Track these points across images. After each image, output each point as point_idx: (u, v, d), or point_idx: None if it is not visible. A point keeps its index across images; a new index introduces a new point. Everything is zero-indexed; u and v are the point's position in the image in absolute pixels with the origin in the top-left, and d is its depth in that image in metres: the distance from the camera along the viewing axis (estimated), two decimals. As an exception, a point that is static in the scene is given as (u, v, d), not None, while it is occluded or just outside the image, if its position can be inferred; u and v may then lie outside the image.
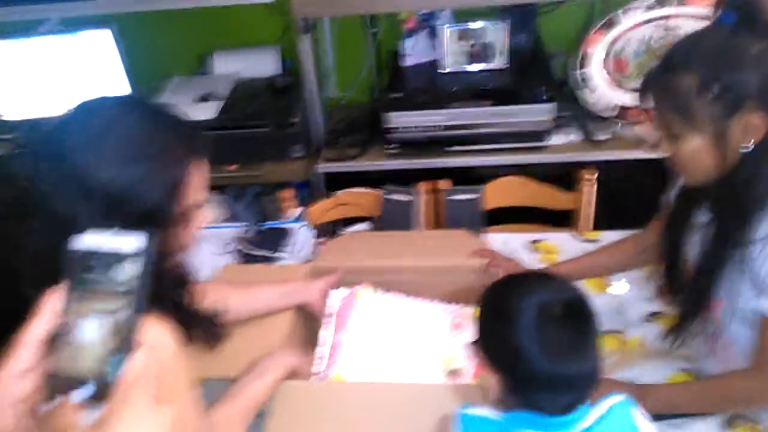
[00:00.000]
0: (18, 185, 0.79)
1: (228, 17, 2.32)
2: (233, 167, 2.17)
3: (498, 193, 1.90)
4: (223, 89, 2.27)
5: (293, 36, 2.14)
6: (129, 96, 0.85)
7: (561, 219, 1.92)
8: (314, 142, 2.29)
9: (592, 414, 0.86)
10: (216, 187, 2.19)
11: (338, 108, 2.47)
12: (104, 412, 0.51)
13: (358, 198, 1.90)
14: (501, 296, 0.94)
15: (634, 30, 1.96)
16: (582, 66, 2.01)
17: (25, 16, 2.24)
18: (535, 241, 1.70)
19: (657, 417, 0.98)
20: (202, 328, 0.99)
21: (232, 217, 2.31)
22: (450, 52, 2.08)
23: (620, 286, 1.51)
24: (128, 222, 0.75)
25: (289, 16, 2.07)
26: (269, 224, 1.84)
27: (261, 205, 2.43)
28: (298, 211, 1.94)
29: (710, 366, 1.24)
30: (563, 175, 1.93)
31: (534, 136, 2.05)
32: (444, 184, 1.89)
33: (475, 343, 0.95)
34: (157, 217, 0.80)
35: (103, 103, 0.85)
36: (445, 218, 1.71)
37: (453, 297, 1.42)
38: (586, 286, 1.51)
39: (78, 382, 0.52)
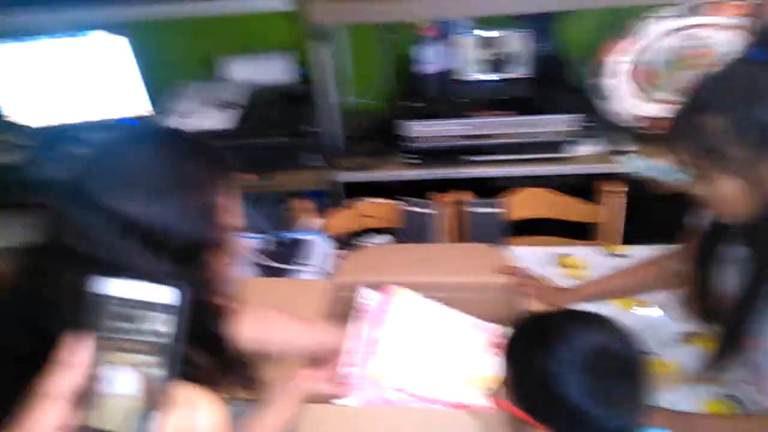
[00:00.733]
0: (56, 220, 0.76)
1: (243, 23, 2.29)
2: (250, 176, 2.14)
3: (519, 205, 1.86)
4: (239, 96, 2.24)
5: (308, 42, 2.11)
6: (146, 127, 0.83)
7: (583, 232, 1.87)
8: (331, 151, 2.25)
9: None
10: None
11: (353, 116, 2.43)
12: None
13: (377, 209, 1.86)
14: (543, 343, 0.84)
15: (661, 39, 1.91)
16: (606, 75, 1.97)
17: (38, 22, 2.22)
18: (560, 255, 1.66)
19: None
20: (238, 373, 0.95)
21: (248, 227, 2.27)
22: (469, 60, 2.04)
23: (652, 311, 1.47)
24: (169, 255, 0.73)
25: (304, 23, 2.04)
26: (287, 235, 1.80)
27: (278, 214, 2.39)
28: (316, 221, 1.90)
29: (751, 394, 1.18)
30: (585, 187, 1.89)
31: (556, 147, 2.01)
32: (463, 195, 1.85)
33: (505, 388, 0.87)
34: (198, 246, 0.77)
35: (123, 139, 0.82)
36: (466, 230, 1.66)
37: (478, 314, 1.38)
38: (614, 306, 1.48)
39: None
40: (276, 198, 2.39)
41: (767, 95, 0.93)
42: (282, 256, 1.69)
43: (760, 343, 1.06)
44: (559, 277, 1.55)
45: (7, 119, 2.32)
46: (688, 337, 1.39)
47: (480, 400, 1.19)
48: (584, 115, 1.98)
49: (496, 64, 2.06)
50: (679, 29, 1.89)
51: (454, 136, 2.02)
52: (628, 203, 1.80)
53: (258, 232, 1.81)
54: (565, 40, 2.20)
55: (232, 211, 0.84)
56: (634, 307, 1.47)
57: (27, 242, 0.79)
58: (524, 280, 1.39)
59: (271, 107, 2.19)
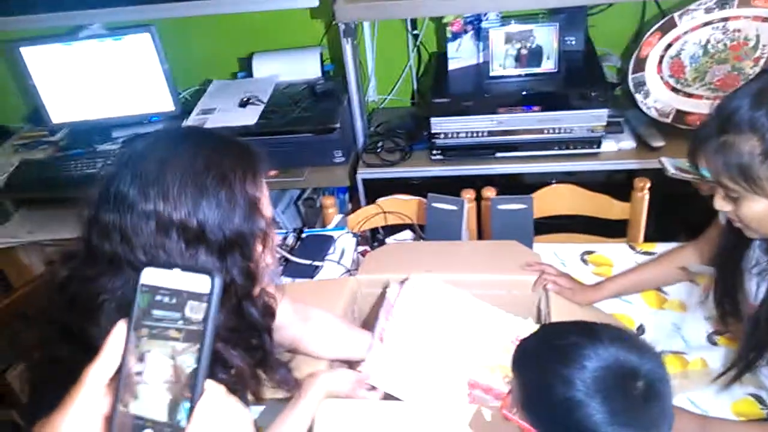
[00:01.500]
0: (92, 226, 0.77)
1: (268, 20, 2.30)
2: (274, 173, 2.14)
3: (547, 202, 1.82)
4: (264, 93, 2.24)
5: (333, 39, 2.11)
6: (174, 127, 0.83)
7: (614, 230, 1.84)
8: (355, 147, 2.25)
9: None
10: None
11: (378, 112, 2.42)
12: None
13: (400, 205, 1.85)
14: (557, 366, 0.77)
15: (692, 33, 1.87)
16: (637, 69, 1.92)
17: (68, 22, 2.26)
18: (587, 253, 1.63)
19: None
20: (277, 373, 0.95)
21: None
22: (497, 55, 2.01)
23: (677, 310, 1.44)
24: (209, 249, 0.75)
25: (330, 19, 2.04)
26: (310, 231, 1.80)
27: (301, 210, 2.40)
28: (339, 217, 1.90)
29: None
30: (617, 184, 1.85)
31: (585, 143, 1.97)
32: (489, 191, 1.83)
33: (519, 407, 0.82)
34: (238, 239, 0.78)
35: (154, 140, 0.82)
36: (492, 227, 1.64)
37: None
38: (643, 303, 1.45)
39: (145, 426, 0.51)
40: (300, 194, 2.40)
41: None
42: (305, 253, 1.69)
43: None
44: (586, 275, 1.52)
45: (39, 116, 2.36)
46: (715, 335, 1.36)
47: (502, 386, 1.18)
48: (613, 110, 1.94)
49: (524, 59, 2.02)
50: (710, 22, 1.84)
51: (480, 132, 2.00)
52: (657, 200, 1.76)
53: (279, 227, 1.81)
54: (594, 33, 2.16)
55: (265, 202, 0.85)
56: (661, 307, 1.44)
57: (65, 249, 0.81)
58: (550, 277, 1.37)
59: (295, 103, 2.19)
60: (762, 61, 1.86)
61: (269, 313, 0.93)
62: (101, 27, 2.30)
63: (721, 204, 1.00)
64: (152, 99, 2.31)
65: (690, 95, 1.95)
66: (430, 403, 1.18)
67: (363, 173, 2.12)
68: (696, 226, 1.32)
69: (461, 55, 2.12)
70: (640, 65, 1.92)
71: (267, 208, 0.85)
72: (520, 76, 2.02)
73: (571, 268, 1.53)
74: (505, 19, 2.05)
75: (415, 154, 2.14)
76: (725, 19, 1.84)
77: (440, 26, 2.18)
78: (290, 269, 1.65)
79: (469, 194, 1.81)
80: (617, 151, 2.01)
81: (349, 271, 1.61)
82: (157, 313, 0.52)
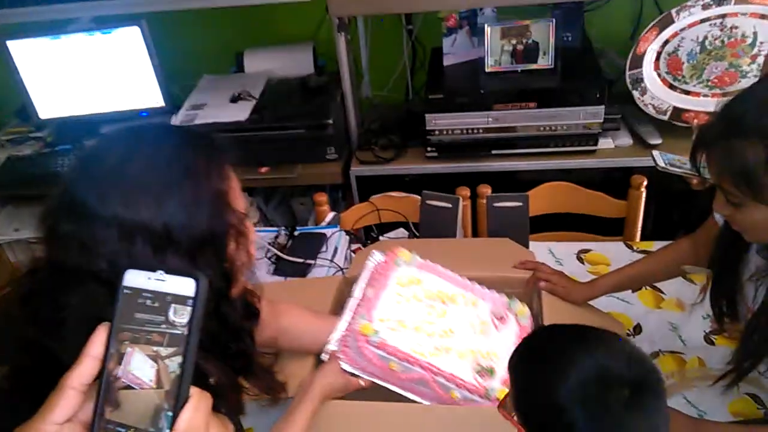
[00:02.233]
0: (51, 238, 0.72)
1: (260, 14, 2.26)
2: (265, 169, 2.11)
3: (543, 199, 1.80)
4: (256, 88, 2.21)
5: (327, 34, 2.08)
6: (128, 127, 0.78)
7: (611, 228, 1.82)
8: (348, 144, 2.22)
9: None
10: (246, 190, 2.13)
11: (371, 108, 2.39)
12: None
13: (394, 203, 1.82)
14: (546, 372, 0.77)
15: (690, 29, 1.85)
16: (634, 66, 1.90)
17: (56, 15, 2.21)
18: (583, 251, 1.61)
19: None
20: (261, 379, 0.92)
21: (262, 221, 2.25)
22: (493, 50, 1.99)
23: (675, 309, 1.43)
24: (181, 250, 0.70)
25: (323, 14, 2.00)
26: (303, 229, 1.77)
27: (292, 208, 2.37)
28: (332, 215, 1.87)
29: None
30: (614, 181, 1.83)
31: (582, 140, 1.95)
32: (484, 189, 1.80)
33: (512, 407, 0.82)
34: (213, 239, 0.73)
35: (111, 144, 0.76)
36: (487, 225, 1.62)
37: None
38: (640, 303, 1.44)
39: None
40: (292, 191, 2.36)
41: None
42: (297, 251, 1.66)
43: None
44: (581, 274, 1.50)
45: (26, 112, 2.32)
46: (712, 335, 1.35)
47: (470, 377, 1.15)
48: (610, 107, 1.92)
49: (520, 55, 2.00)
50: (708, 19, 1.82)
51: (476, 129, 1.97)
52: (654, 198, 1.74)
53: (271, 225, 1.78)
54: (591, 29, 2.14)
55: (238, 194, 0.80)
56: (658, 306, 1.43)
57: (29, 265, 0.76)
58: (545, 275, 1.34)
59: (287, 99, 2.17)
60: (759, 59, 1.84)
61: (252, 314, 0.89)
62: (90, 21, 2.26)
63: (721, 207, 0.98)
64: (141, 94, 2.27)
65: (687, 92, 1.93)
66: (429, 403, 1.15)
67: (356, 170, 2.10)
68: (693, 224, 1.30)
69: (456, 50, 2.09)
70: (637, 62, 1.90)
71: (238, 201, 0.79)
72: (516, 72, 2.00)
73: (567, 267, 1.52)
74: (501, 14, 2.03)
75: (409, 151, 2.12)
76: (723, 16, 1.83)
77: (434, 21, 2.15)
78: (282, 268, 1.62)
79: (464, 192, 1.79)
80: (614, 148, 2.00)
81: (341, 269, 1.58)
82: (139, 316, 0.51)
